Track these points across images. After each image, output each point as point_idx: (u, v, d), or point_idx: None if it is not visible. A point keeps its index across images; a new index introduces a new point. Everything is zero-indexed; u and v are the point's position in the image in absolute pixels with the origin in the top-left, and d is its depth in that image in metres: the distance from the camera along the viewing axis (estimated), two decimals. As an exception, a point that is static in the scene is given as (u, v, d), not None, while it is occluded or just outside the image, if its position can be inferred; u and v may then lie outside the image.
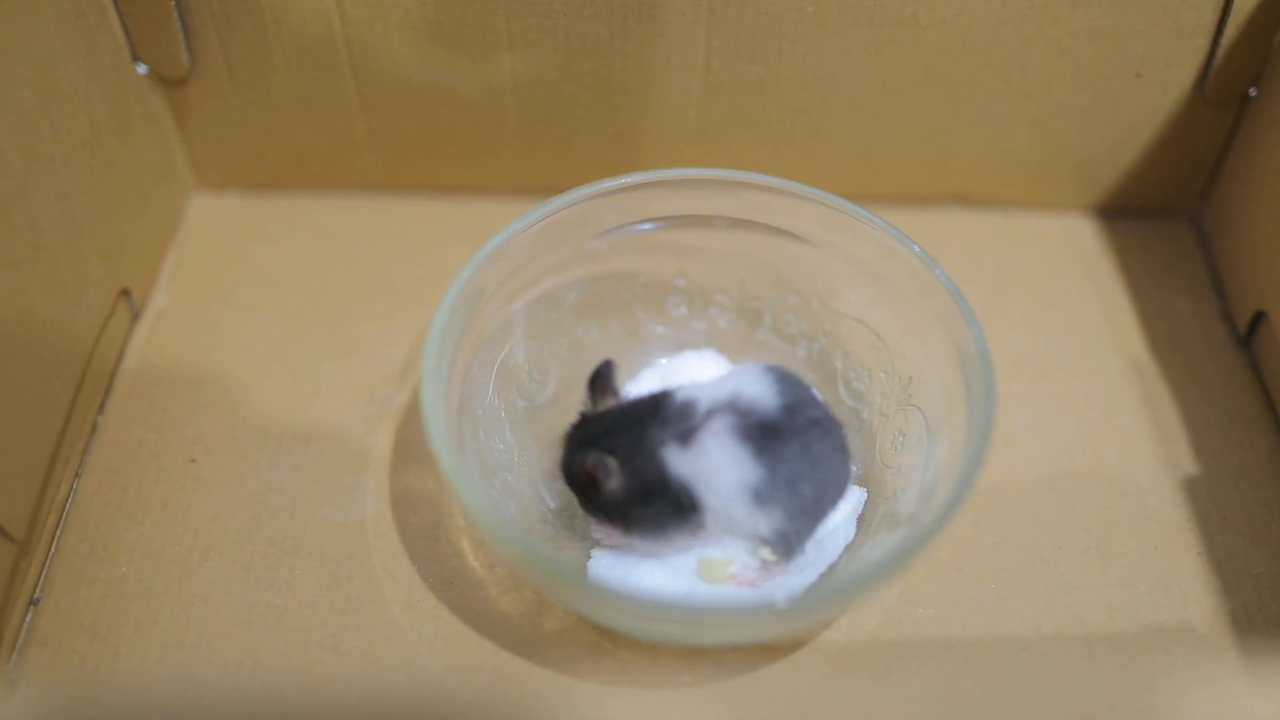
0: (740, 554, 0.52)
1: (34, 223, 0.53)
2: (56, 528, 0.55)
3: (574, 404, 0.58)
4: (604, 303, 0.59)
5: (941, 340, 0.53)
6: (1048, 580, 0.55)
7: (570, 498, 0.56)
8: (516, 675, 0.51)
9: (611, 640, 0.52)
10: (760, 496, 0.50)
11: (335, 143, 0.67)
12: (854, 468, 0.54)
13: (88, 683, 0.51)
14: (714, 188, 0.56)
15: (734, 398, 0.50)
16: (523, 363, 0.58)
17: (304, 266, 0.67)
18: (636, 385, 0.59)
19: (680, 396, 0.51)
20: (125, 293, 0.62)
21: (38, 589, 0.53)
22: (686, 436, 0.50)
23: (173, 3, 0.60)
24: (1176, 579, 0.55)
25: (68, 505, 0.56)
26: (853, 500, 0.54)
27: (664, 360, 0.60)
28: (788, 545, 0.51)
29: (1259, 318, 0.62)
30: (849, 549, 0.53)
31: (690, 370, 0.60)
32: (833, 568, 0.53)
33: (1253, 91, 0.64)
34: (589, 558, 0.53)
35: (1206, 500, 0.58)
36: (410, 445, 0.59)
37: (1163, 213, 0.71)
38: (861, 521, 0.54)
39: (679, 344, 0.61)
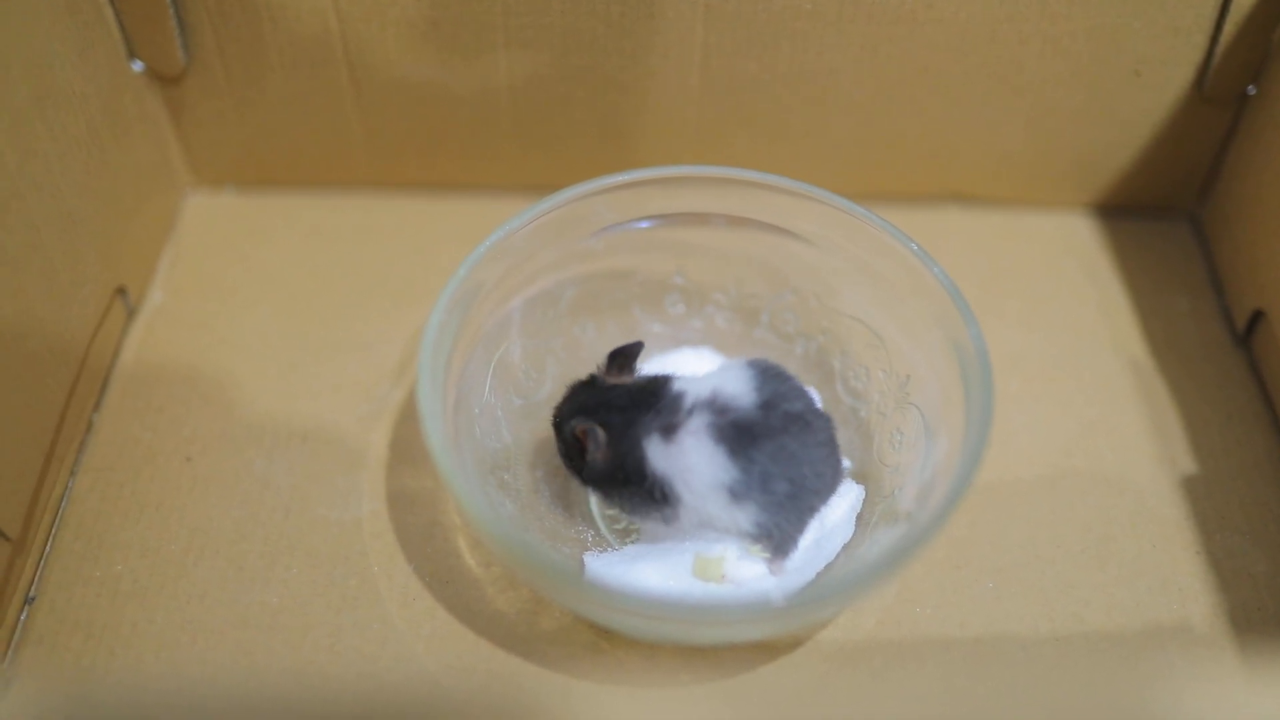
0: (733, 551, 0.52)
1: (29, 221, 0.53)
2: (52, 526, 0.55)
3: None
4: (601, 301, 0.59)
5: (939, 339, 0.53)
6: (1046, 579, 0.54)
7: (568, 496, 0.56)
8: (513, 674, 0.51)
9: (608, 639, 0.52)
10: (736, 494, 0.50)
11: (331, 140, 0.67)
12: (845, 460, 0.54)
13: (83, 681, 0.51)
14: (711, 185, 0.56)
15: (714, 395, 0.51)
16: (519, 361, 0.57)
17: (300, 264, 0.67)
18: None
19: (675, 388, 0.52)
20: (121, 291, 0.62)
21: (33, 587, 0.53)
22: (669, 431, 0.50)
23: None
24: (1175, 578, 0.55)
25: (63, 503, 0.56)
26: (850, 498, 0.54)
27: (660, 358, 0.60)
28: (773, 539, 0.51)
29: (1257, 316, 0.62)
30: (847, 547, 0.53)
31: (687, 368, 0.59)
32: (830, 566, 0.52)
33: (1251, 89, 0.63)
34: (585, 558, 0.53)
35: (1205, 499, 0.57)
36: (406, 444, 0.58)
37: (1161, 211, 0.70)
38: (859, 520, 0.54)
39: (676, 342, 0.61)
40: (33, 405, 0.54)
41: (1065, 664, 0.52)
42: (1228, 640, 0.52)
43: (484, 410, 0.55)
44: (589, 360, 0.59)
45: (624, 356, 0.53)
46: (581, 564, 0.53)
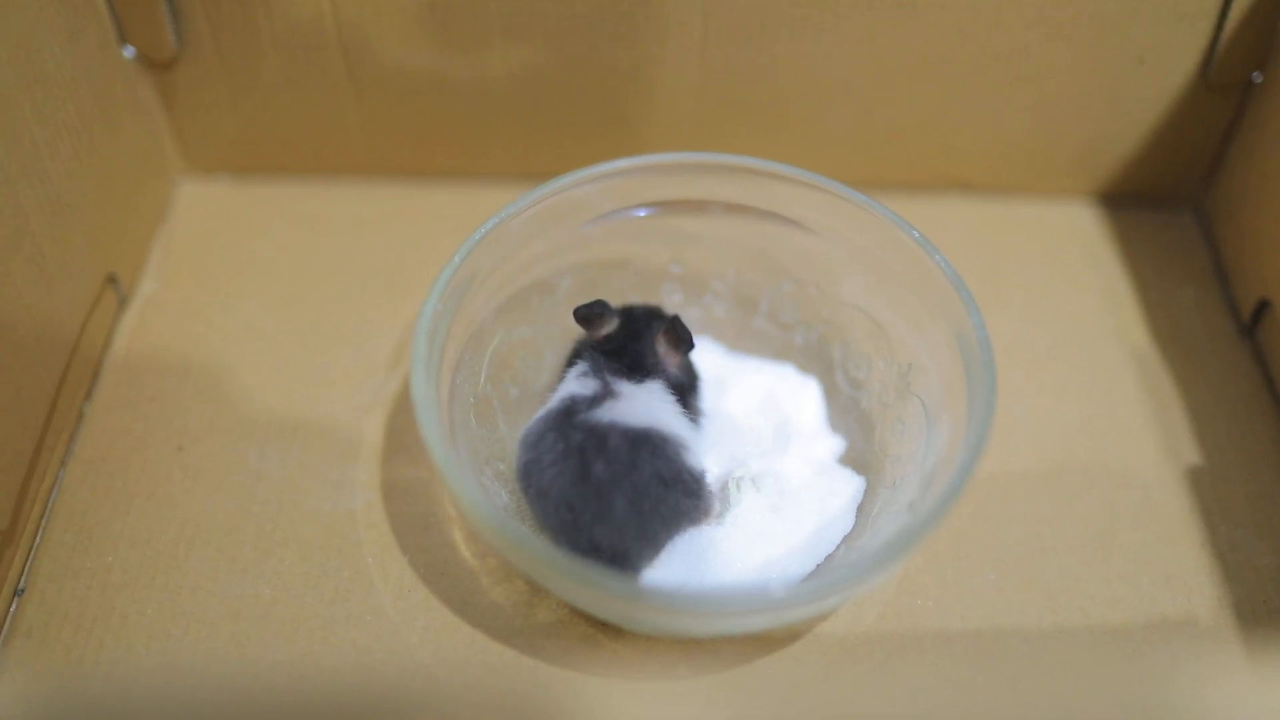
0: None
1: (17, 207, 0.52)
2: (41, 517, 0.54)
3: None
4: (598, 289, 0.58)
5: (941, 328, 0.52)
6: (1048, 572, 0.54)
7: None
8: (509, 667, 0.51)
9: (606, 632, 0.51)
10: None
11: (326, 128, 0.66)
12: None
13: (72, 674, 0.50)
14: (709, 172, 0.56)
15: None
16: (515, 350, 0.57)
17: (294, 253, 0.66)
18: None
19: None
20: (112, 279, 0.61)
21: (22, 579, 0.52)
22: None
23: (160, -16, 0.59)
24: (1179, 571, 0.54)
25: (53, 495, 0.55)
26: (852, 489, 0.53)
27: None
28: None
29: (1263, 306, 0.61)
30: (848, 539, 0.52)
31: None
32: (831, 558, 0.52)
33: (1257, 77, 0.63)
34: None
35: (1209, 491, 0.57)
36: (401, 434, 0.58)
37: (1165, 200, 0.70)
38: (860, 511, 0.53)
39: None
40: (22, 395, 0.53)
41: (1068, 658, 0.51)
42: (1233, 634, 0.52)
43: (479, 400, 0.54)
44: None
45: (676, 328, 0.53)
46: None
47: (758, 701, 0.48)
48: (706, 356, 0.59)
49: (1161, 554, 0.54)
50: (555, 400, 0.52)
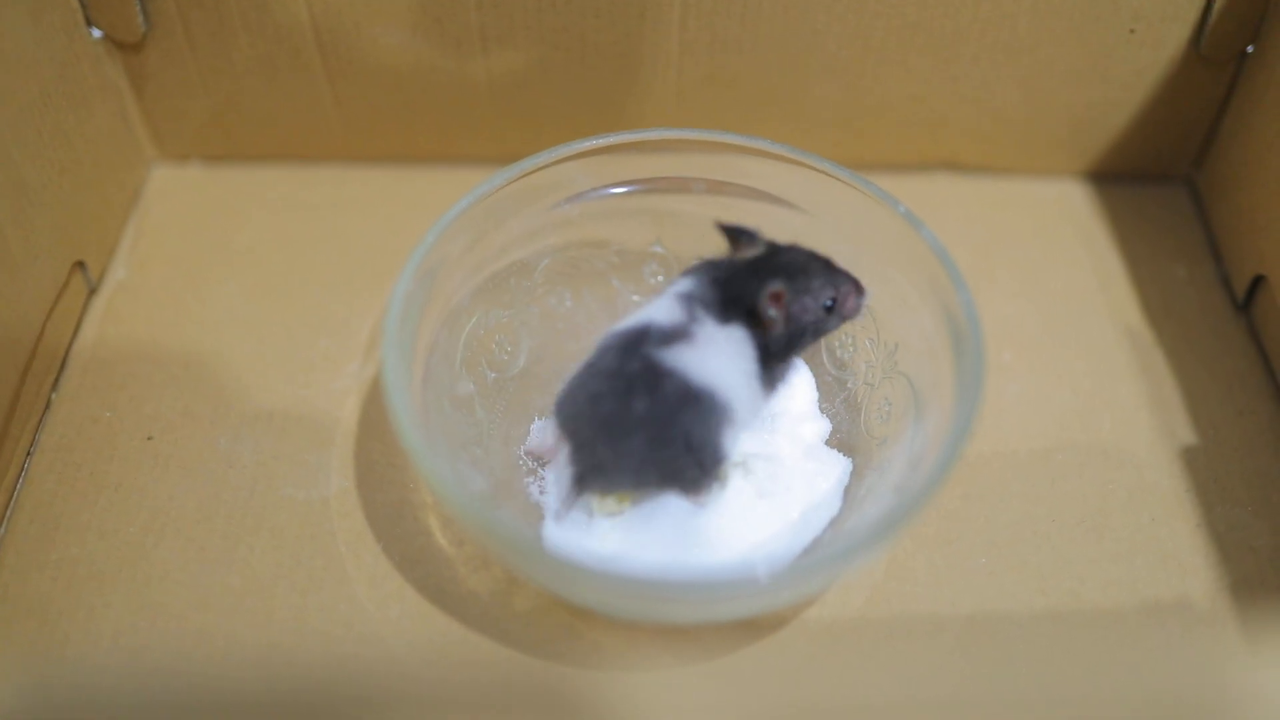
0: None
1: (-23, 189, 0.51)
2: (6, 508, 0.53)
3: (546, 375, 0.56)
4: (577, 270, 0.57)
5: (929, 305, 0.51)
6: (1041, 555, 0.52)
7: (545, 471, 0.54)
8: (485, 658, 0.49)
9: (585, 620, 0.50)
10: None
11: (301, 110, 0.65)
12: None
13: (37, 669, 0.48)
14: (690, 149, 0.54)
15: None
16: (492, 333, 0.55)
17: (269, 239, 0.64)
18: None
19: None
20: (80, 265, 0.60)
21: (-14, 572, 0.51)
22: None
23: (126, -38, 0.57)
24: (1175, 552, 0.53)
25: (18, 485, 0.54)
26: (838, 471, 0.52)
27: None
28: None
29: (1258, 282, 0.60)
30: (834, 522, 0.51)
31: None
32: (817, 541, 0.50)
33: (1250, 48, 0.61)
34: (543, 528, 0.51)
35: (1205, 470, 0.55)
36: (377, 421, 0.56)
37: (1158, 176, 0.68)
38: (847, 493, 0.52)
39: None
40: (-16, 382, 0.52)
41: (1061, 642, 0.50)
42: (1229, 616, 0.50)
43: (455, 385, 0.53)
44: (565, 332, 0.57)
45: (740, 232, 0.52)
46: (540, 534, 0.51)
47: (743, 689, 0.47)
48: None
49: (1156, 535, 0.53)
50: (636, 318, 0.50)
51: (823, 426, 0.55)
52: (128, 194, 0.65)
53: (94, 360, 0.59)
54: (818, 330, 0.51)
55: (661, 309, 0.50)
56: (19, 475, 0.54)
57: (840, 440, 0.54)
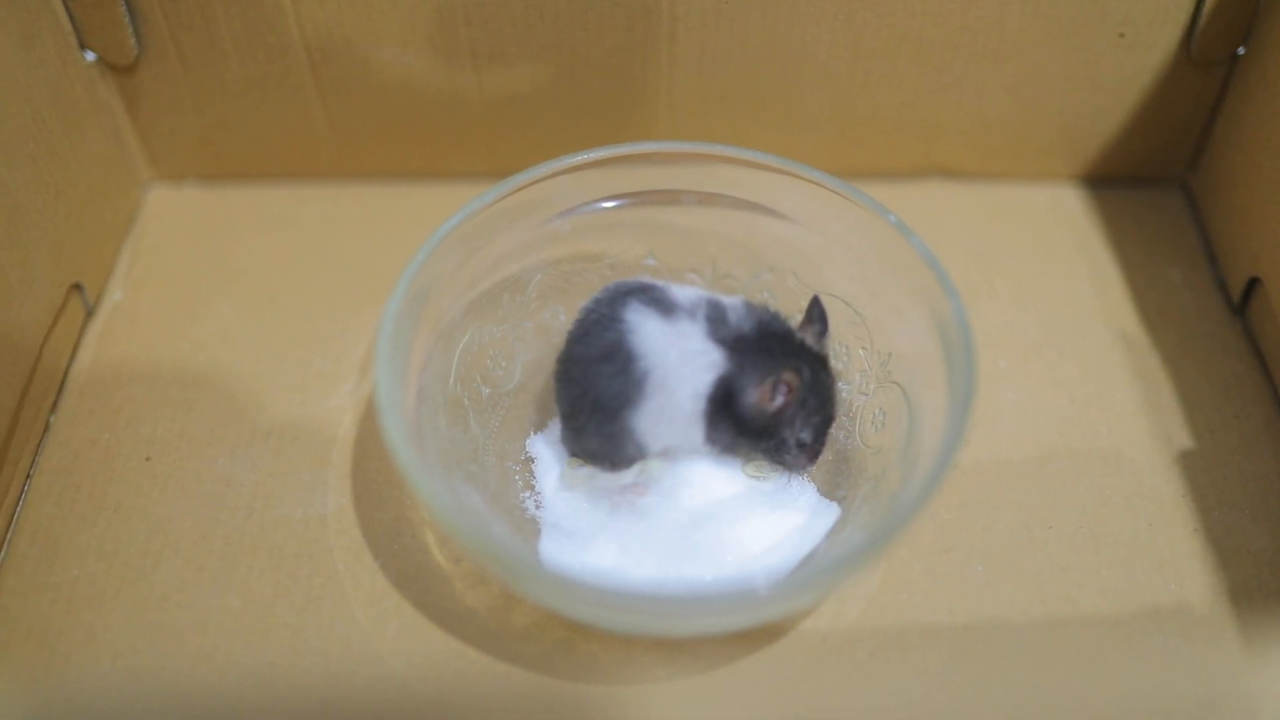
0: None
1: (-29, 214, 0.51)
2: (6, 531, 0.53)
3: (541, 389, 0.56)
4: (571, 285, 0.57)
5: (921, 313, 0.51)
6: (1038, 562, 0.52)
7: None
8: (484, 673, 0.49)
9: (583, 635, 0.50)
10: None
11: (293, 129, 0.65)
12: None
13: (36, 691, 0.49)
14: (681, 161, 0.54)
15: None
16: (487, 349, 0.55)
17: (264, 258, 0.65)
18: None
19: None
20: (77, 287, 0.60)
21: (-15, 596, 0.51)
22: None
23: (117, -15, 0.58)
24: (1172, 558, 0.52)
25: (18, 508, 0.54)
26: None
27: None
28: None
29: (1253, 284, 0.60)
30: (830, 533, 0.51)
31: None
32: (813, 552, 0.50)
33: (1241, 50, 0.61)
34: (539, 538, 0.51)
35: (1203, 475, 0.55)
36: (373, 438, 0.56)
37: (1151, 180, 0.68)
38: (843, 503, 0.52)
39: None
40: (-18, 407, 0.52)
41: (1059, 650, 0.50)
42: (1228, 620, 0.50)
43: (449, 401, 0.53)
44: (559, 347, 0.57)
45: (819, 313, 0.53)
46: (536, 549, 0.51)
47: (741, 701, 0.47)
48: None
49: (1153, 540, 0.53)
50: (708, 294, 0.52)
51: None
52: (123, 215, 0.66)
53: (92, 382, 0.59)
54: (756, 443, 0.52)
55: (689, 292, 0.51)
56: (19, 498, 0.54)
57: (835, 450, 0.54)
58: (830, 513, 0.52)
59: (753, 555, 0.50)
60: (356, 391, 0.58)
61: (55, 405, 0.58)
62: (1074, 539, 0.53)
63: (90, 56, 0.61)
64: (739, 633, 0.49)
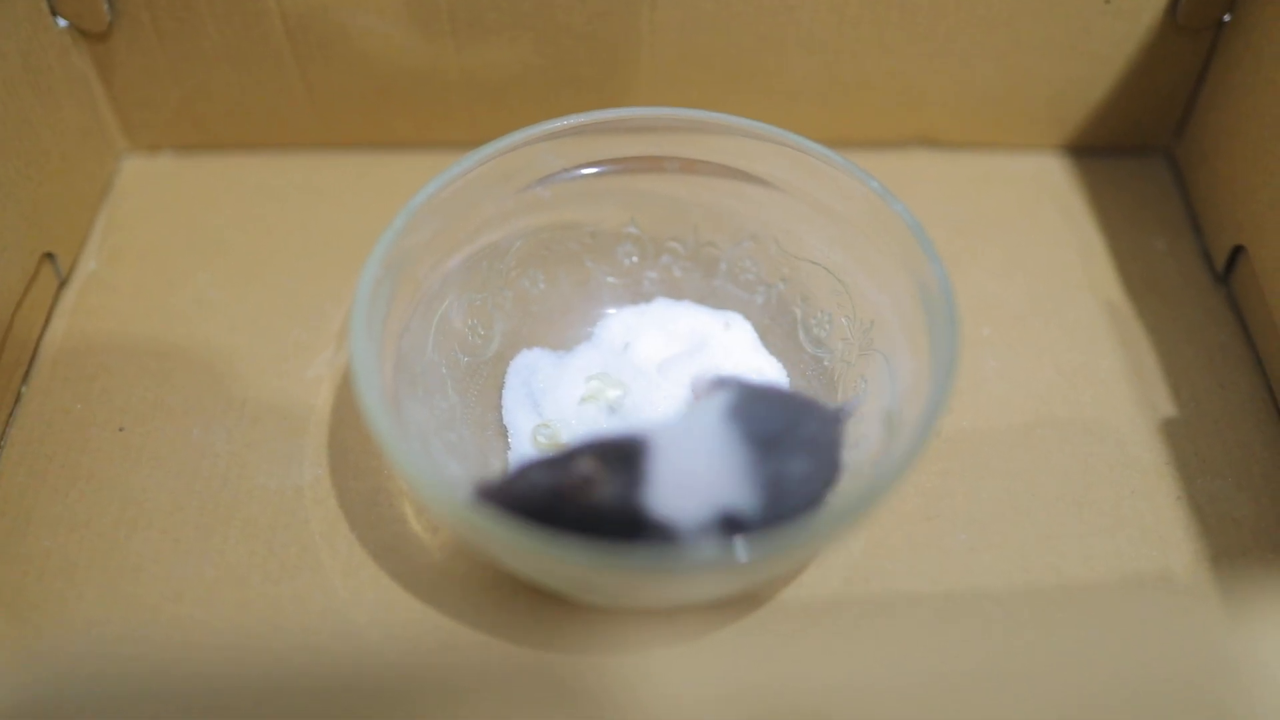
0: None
1: (-60, 180, 0.50)
2: (-23, 503, 0.52)
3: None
4: (551, 253, 0.57)
5: (903, 280, 0.50)
6: (1021, 530, 0.52)
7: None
8: (463, 645, 0.49)
9: (562, 604, 0.49)
10: None
11: (270, 97, 0.64)
12: None
13: (7, 663, 0.48)
14: (662, 128, 0.54)
15: None
16: (465, 317, 0.55)
17: (242, 228, 0.64)
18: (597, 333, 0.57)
19: None
20: (50, 257, 0.59)
21: (-44, 567, 0.50)
22: None
23: (88, -51, 0.57)
24: (1156, 525, 0.52)
25: (-11, 479, 0.53)
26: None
27: (612, 310, 0.58)
28: None
29: (1237, 253, 0.59)
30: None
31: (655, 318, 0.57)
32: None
33: (1226, 17, 0.61)
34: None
35: (1186, 443, 0.55)
36: (351, 408, 0.56)
37: (1136, 149, 0.68)
38: (824, 472, 0.51)
39: (634, 295, 0.58)
40: (-49, 376, 0.51)
41: (1042, 617, 0.50)
42: (1211, 588, 0.50)
43: (427, 369, 0.52)
44: (539, 315, 0.57)
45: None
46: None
47: (724, 670, 0.47)
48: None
49: (1137, 508, 0.53)
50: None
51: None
52: (98, 185, 0.65)
53: (65, 352, 0.58)
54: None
55: None
56: (-11, 469, 0.53)
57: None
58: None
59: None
60: (334, 361, 0.58)
61: (27, 375, 0.57)
62: (1057, 507, 0.53)
63: (62, 23, 0.60)
64: (719, 599, 0.49)
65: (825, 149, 0.52)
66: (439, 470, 0.49)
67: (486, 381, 0.55)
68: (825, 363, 0.55)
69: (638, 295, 0.58)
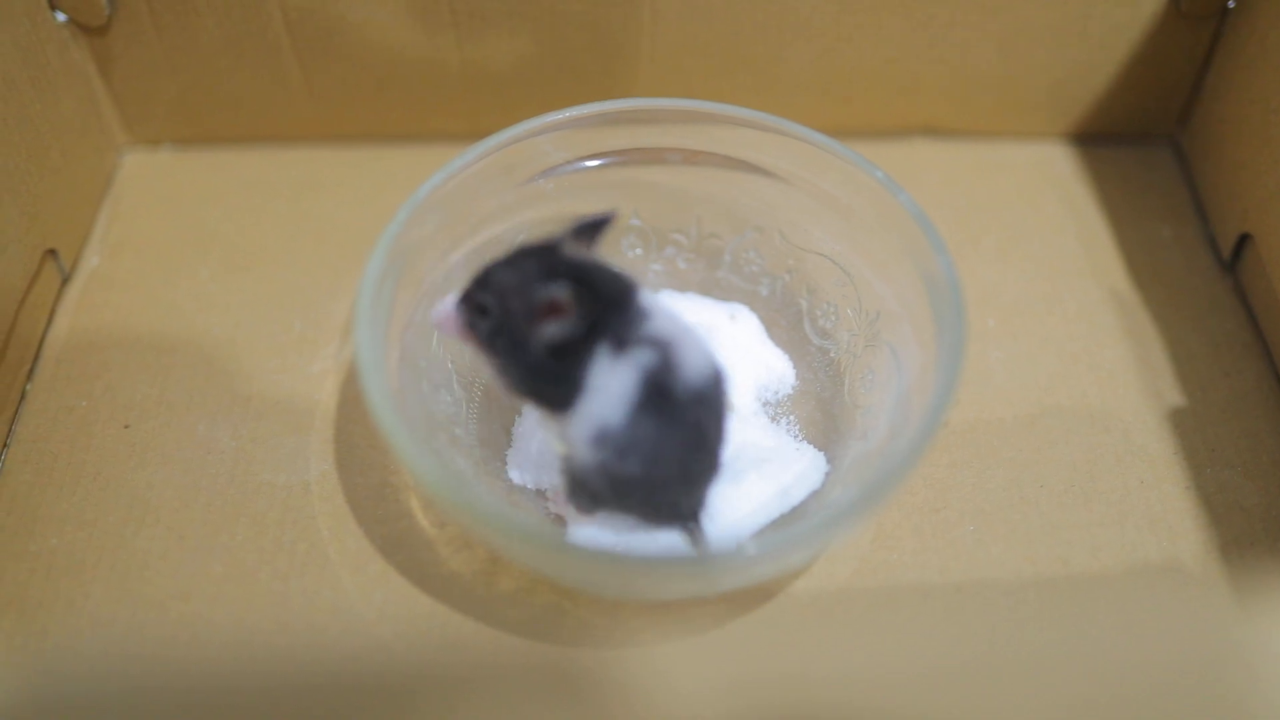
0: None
1: (-59, 178, 0.50)
2: (-18, 501, 0.52)
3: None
4: (555, 246, 0.56)
5: (909, 271, 0.50)
6: (1029, 521, 0.52)
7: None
8: (470, 639, 0.49)
9: (570, 598, 0.49)
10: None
11: (270, 91, 0.64)
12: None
13: (14, 662, 0.48)
14: (665, 119, 0.54)
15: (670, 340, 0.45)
16: (470, 311, 0.54)
17: (243, 222, 0.64)
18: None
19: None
20: (52, 253, 0.59)
21: (-38, 566, 0.50)
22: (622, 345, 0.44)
23: (87, -57, 0.56)
24: (1164, 515, 0.52)
25: (-6, 477, 0.53)
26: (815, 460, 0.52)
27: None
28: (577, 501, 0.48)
29: (1243, 240, 0.59)
30: (817, 494, 0.50)
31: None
32: (804, 510, 0.50)
33: (1231, 4, 0.60)
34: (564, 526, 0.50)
35: (1194, 432, 0.55)
36: (356, 403, 0.56)
37: (1141, 136, 0.68)
38: (832, 463, 0.51)
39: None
40: (-45, 374, 0.51)
41: (1051, 608, 0.49)
42: (1219, 577, 0.50)
43: (432, 364, 0.52)
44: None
45: (592, 228, 0.46)
46: (538, 521, 0.50)
47: (732, 663, 0.47)
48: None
49: (1145, 498, 0.53)
50: None
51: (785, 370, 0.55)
52: (99, 180, 0.64)
53: (69, 349, 0.58)
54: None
55: None
56: (-6, 467, 0.53)
57: (824, 410, 0.54)
58: (819, 467, 0.51)
59: (743, 514, 0.49)
60: (338, 356, 0.58)
61: (31, 373, 0.57)
62: (1065, 497, 0.53)
63: (61, 18, 0.59)
64: (729, 594, 0.49)
65: (829, 139, 0.52)
66: (445, 465, 0.48)
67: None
68: (832, 354, 0.55)
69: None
